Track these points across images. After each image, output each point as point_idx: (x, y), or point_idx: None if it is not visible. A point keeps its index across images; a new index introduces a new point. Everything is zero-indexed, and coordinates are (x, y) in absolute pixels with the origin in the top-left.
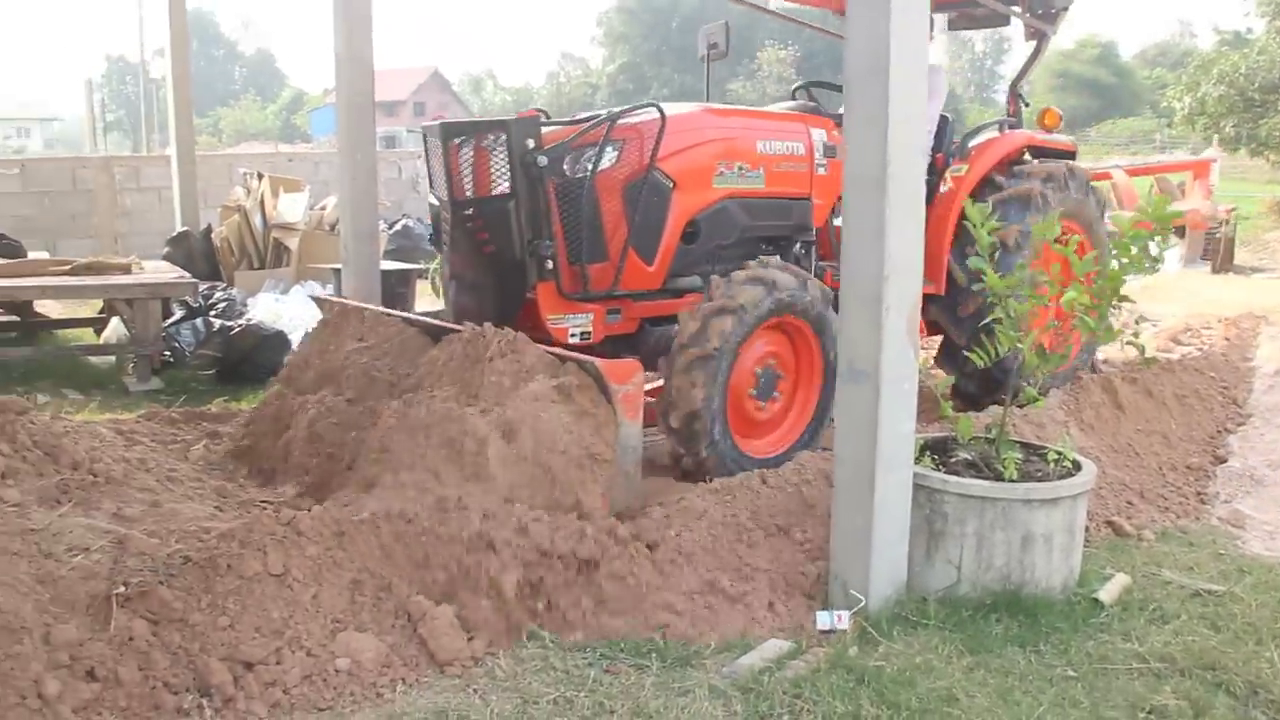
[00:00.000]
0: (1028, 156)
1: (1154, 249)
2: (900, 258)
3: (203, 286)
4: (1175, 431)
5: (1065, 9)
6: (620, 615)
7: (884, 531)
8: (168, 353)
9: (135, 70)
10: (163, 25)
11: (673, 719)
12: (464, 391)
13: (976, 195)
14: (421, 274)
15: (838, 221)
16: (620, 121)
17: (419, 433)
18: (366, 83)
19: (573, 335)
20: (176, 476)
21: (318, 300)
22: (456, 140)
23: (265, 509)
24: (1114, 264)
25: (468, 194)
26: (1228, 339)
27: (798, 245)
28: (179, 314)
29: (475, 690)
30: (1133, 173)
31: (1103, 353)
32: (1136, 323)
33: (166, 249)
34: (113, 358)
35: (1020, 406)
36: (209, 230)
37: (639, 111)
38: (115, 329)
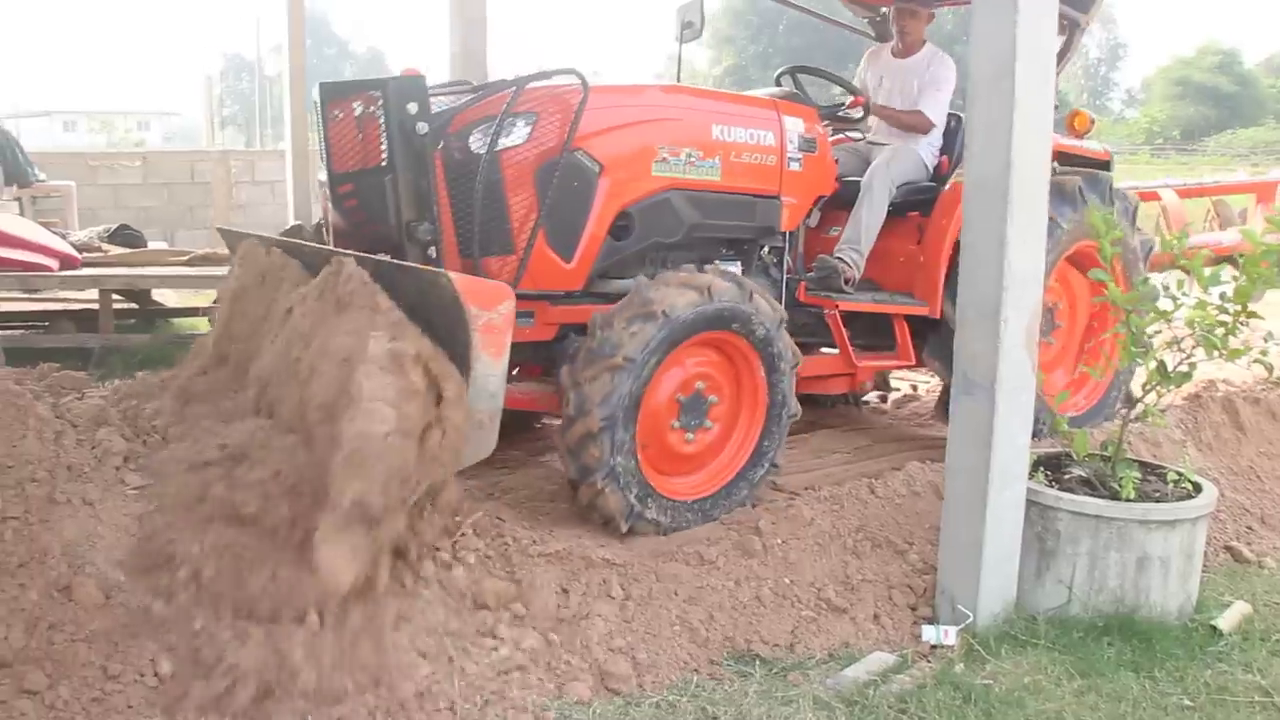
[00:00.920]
0: (1055, 165)
1: None
2: (1020, 269)
3: None
4: None
5: None
6: None
7: (995, 547)
8: None
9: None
10: (278, 24)
11: None
12: None
13: None
14: None
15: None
16: (533, 88)
17: None
18: (481, 80)
19: None
20: None
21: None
22: (335, 103)
23: None
24: (1240, 279)
25: (347, 167)
26: None
27: (764, 250)
28: None
29: None
30: (1185, 194)
31: (1222, 372)
32: (1265, 340)
33: None
34: None
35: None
36: (320, 224)
37: (558, 77)
38: None
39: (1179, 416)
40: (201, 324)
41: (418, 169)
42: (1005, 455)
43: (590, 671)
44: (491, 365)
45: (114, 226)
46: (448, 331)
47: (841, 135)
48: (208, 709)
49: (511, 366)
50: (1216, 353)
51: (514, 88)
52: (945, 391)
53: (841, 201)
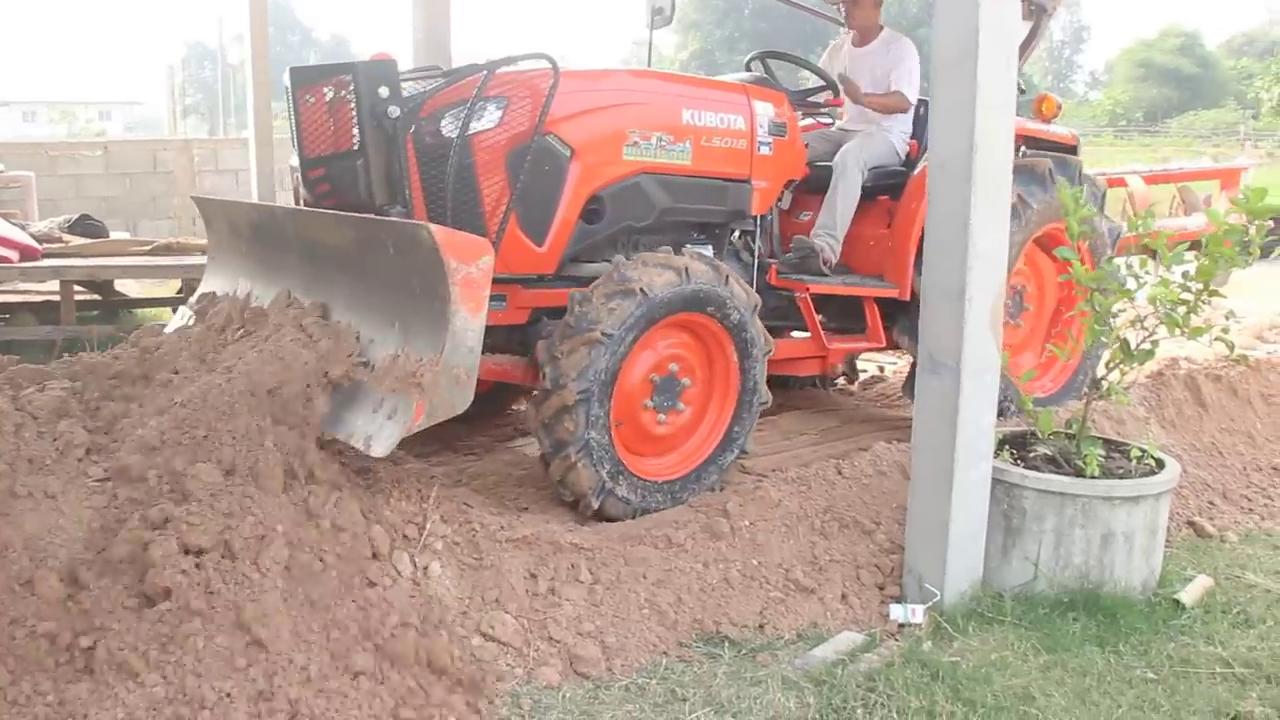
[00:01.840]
0: (1022, 149)
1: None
2: (984, 249)
3: None
4: (1261, 431)
5: None
6: None
7: (961, 526)
8: None
9: (213, 55)
10: (240, 11)
11: (745, 709)
12: None
13: None
14: None
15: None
16: (503, 73)
17: None
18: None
19: None
20: None
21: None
22: (305, 88)
23: None
24: (1202, 260)
25: (319, 151)
26: None
27: (735, 235)
28: None
29: None
30: (1152, 180)
31: (1184, 350)
32: (1226, 318)
33: None
34: None
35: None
36: None
37: (526, 61)
38: None
39: (1142, 394)
40: (165, 314)
41: (389, 152)
42: (970, 434)
43: (559, 656)
44: (469, 320)
45: (75, 217)
46: (425, 286)
47: (812, 120)
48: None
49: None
50: (1179, 331)
51: (485, 72)
52: (913, 370)
53: (812, 186)
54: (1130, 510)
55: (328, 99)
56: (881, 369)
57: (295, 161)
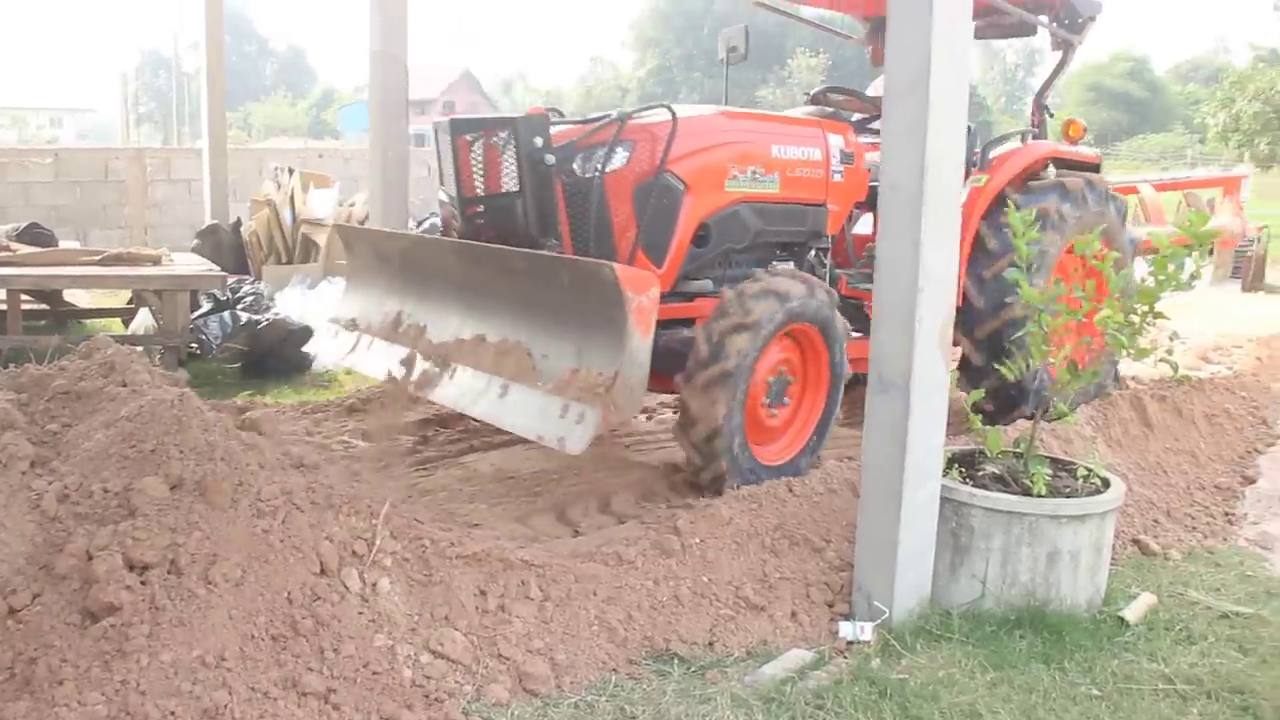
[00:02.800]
0: (1051, 169)
1: (1190, 266)
2: (935, 270)
3: (231, 280)
4: (1204, 451)
5: (1093, 19)
6: None
7: (910, 544)
8: (194, 345)
9: (168, 64)
10: (196, 20)
11: None
12: None
13: (991, 209)
14: None
15: (864, 230)
16: (632, 121)
17: None
18: (400, 80)
19: None
20: None
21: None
22: (465, 137)
23: None
24: (1149, 281)
25: (477, 191)
26: (1259, 359)
27: (812, 252)
28: (206, 307)
29: None
30: (1161, 188)
31: (1131, 370)
32: (1170, 339)
33: (196, 241)
34: (140, 349)
35: (1049, 422)
36: (238, 224)
37: (650, 112)
38: (143, 320)
39: (1089, 414)
40: (115, 325)
41: (544, 192)
42: (919, 454)
43: (509, 673)
44: (641, 340)
45: (23, 225)
46: (603, 314)
47: (869, 141)
48: None
49: None
50: (1125, 352)
51: (618, 121)
52: (960, 363)
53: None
54: (1076, 529)
55: (486, 146)
56: None
57: (444, 197)
